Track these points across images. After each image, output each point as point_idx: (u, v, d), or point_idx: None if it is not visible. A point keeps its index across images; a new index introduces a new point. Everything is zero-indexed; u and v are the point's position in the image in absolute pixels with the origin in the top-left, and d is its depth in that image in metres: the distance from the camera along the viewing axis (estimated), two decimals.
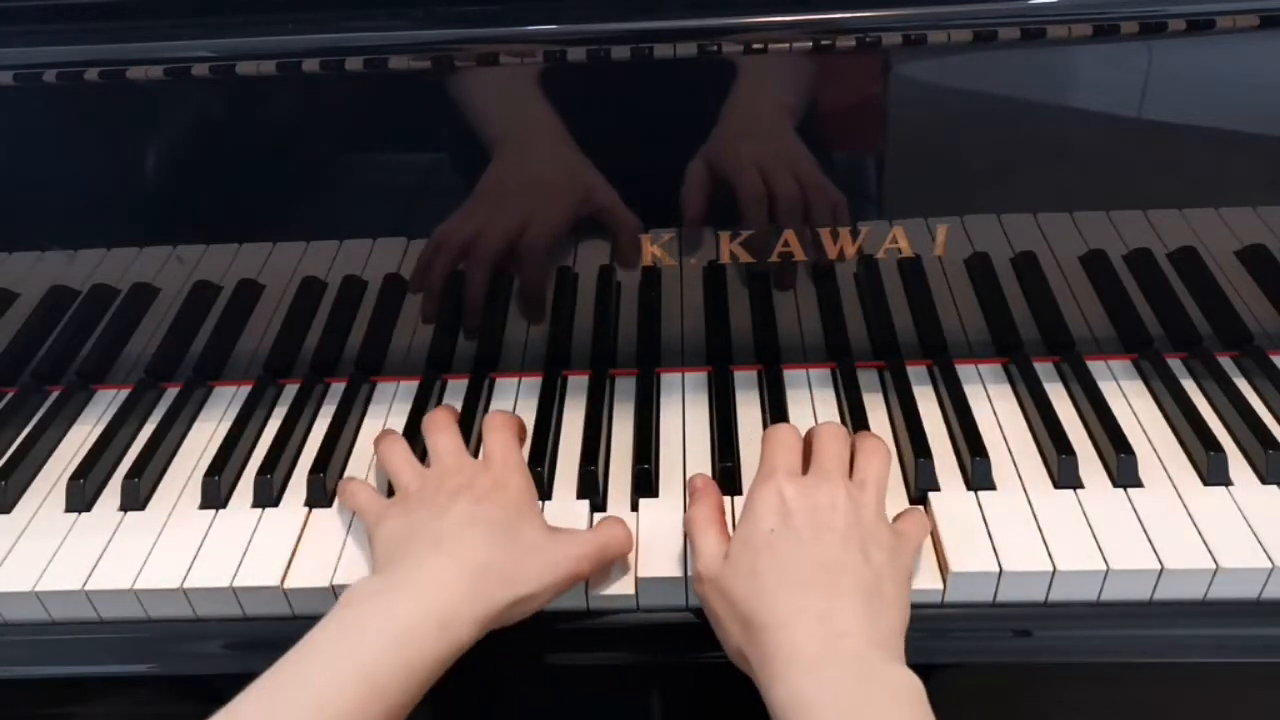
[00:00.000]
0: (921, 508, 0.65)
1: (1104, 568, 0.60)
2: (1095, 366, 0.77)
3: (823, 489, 0.59)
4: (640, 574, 0.62)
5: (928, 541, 0.63)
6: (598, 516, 0.66)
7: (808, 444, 0.64)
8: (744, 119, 0.66)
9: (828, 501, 0.58)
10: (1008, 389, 0.76)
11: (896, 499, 0.67)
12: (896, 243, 0.72)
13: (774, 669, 0.52)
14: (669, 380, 0.79)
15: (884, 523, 0.59)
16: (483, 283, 0.74)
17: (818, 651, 0.51)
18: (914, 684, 0.51)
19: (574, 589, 0.61)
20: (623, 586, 0.62)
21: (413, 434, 0.73)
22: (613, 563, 0.62)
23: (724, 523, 0.61)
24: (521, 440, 0.69)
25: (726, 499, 0.66)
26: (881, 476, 0.62)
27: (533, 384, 0.79)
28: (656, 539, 0.64)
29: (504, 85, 0.66)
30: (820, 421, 0.66)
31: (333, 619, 0.55)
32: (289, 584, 0.63)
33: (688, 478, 0.68)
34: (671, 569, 0.62)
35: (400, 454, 0.67)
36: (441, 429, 0.67)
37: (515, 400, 0.78)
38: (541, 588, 0.57)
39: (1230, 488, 0.66)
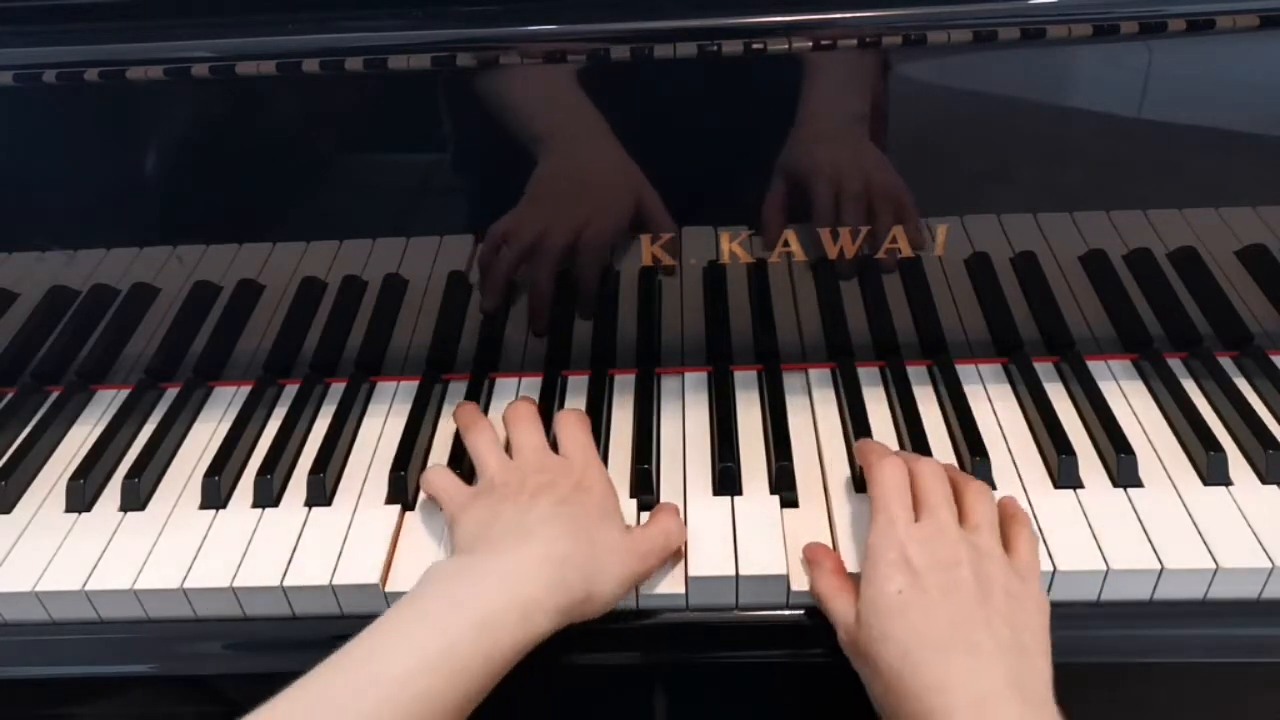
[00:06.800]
0: (1027, 529, 0.61)
1: (1104, 568, 0.60)
2: (1095, 366, 0.77)
3: (945, 544, 0.57)
4: None
5: None
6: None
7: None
8: (815, 120, 0.67)
9: (951, 557, 0.56)
10: (1008, 389, 0.76)
11: None
12: (896, 243, 0.72)
13: None
14: (669, 380, 0.79)
15: (1006, 567, 0.57)
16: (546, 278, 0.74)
17: (978, 713, 0.51)
18: None
19: None
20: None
21: (413, 434, 0.73)
22: (669, 556, 0.63)
23: (849, 584, 0.59)
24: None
25: (726, 499, 0.66)
26: (994, 520, 0.60)
27: (533, 384, 0.79)
28: None
29: (501, 85, 0.66)
30: (912, 453, 0.65)
31: (415, 597, 0.56)
32: (289, 584, 0.63)
33: (689, 481, 0.69)
34: (671, 569, 0.62)
35: (487, 441, 0.68)
36: (524, 423, 0.68)
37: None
38: (616, 587, 0.59)
39: (1230, 488, 0.66)
